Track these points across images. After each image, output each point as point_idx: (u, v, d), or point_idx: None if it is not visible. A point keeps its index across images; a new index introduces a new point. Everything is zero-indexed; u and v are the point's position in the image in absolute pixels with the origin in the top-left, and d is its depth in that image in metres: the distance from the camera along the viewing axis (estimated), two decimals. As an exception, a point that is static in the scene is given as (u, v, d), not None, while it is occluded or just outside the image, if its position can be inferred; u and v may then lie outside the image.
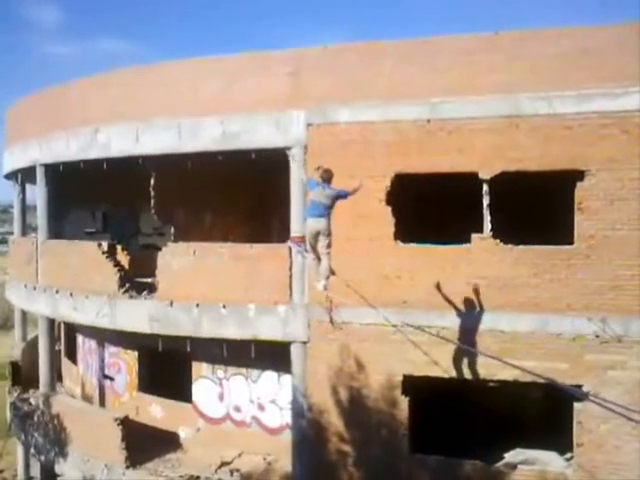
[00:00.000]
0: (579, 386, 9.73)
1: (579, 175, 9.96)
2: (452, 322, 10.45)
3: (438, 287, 10.58)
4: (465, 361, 10.51)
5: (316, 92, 11.43)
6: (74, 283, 14.30)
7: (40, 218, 15.77)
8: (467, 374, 10.58)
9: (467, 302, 10.52)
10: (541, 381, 9.75)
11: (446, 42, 10.98)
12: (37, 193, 15.97)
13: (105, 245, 14.31)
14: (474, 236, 10.60)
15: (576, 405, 10.02)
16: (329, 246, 9.01)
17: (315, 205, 8.96)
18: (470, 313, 10.47)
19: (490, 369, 10.33)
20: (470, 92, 10.49)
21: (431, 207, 13.45)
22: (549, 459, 11.03)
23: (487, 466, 10.71)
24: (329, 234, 8.95)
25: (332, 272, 9.31)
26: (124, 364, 16.23)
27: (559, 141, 10.03)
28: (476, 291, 10.42)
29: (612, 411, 5.84)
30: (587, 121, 9.90)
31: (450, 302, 10.53)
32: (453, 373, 10.62)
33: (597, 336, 9.92)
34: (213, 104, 12.24)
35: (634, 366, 9.77)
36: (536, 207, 13.53)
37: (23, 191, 19.57)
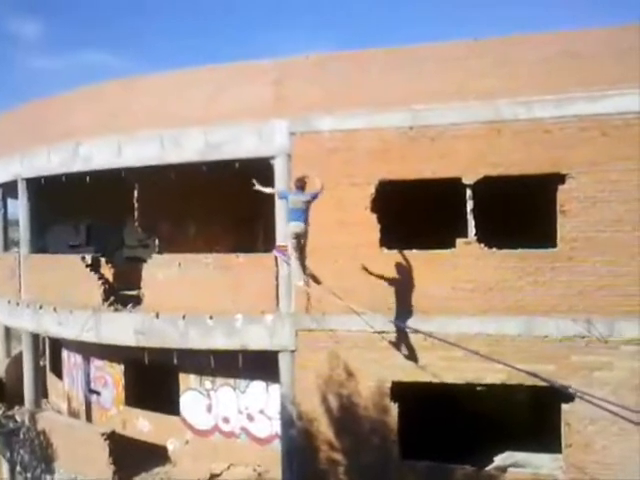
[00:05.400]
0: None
1: (560, 178, 10.08)
2: (438, 326, 10.47)
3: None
4: (454, 365, 10.54)
5: (300, 101, 11.49)
6: (58, 297, 14.16)
7: (22, 232, 15.62)
8: (455, 378, 10.62)
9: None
10: (528, 383, 9.88)
11: (429, 49, 11.08)
12: (19, 207, 15.84)
13: (89, 258, 14.23)
14: (459, 241, 10.67)
15: (564, 407, 10.09)
16: (304, 247, 10.03)
17: (294, 211, 9.83)
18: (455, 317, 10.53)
19: (478, 373, 10.39)
20: (454, 99, 10.60)
21: (416, 213, 13.49)
22: (539, 461, 11.08)
23: (478, 470, 10.74)
24: (306, 237, 9.92)
25: (309, 273, 10.45)
26: (110, 378, 16.07)
27: (540, 145, 10.15)
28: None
29: (609, 411, 5.88)
30: (567, 125, 10.03)
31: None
32: (441, 378, 10.65)
33: (583, 337, 10.00)
34: (197, 115, 12.24)
35: (620, 366, 9.85)
36: (520, 211, 13.63)
37: (5, 205, 19.40)
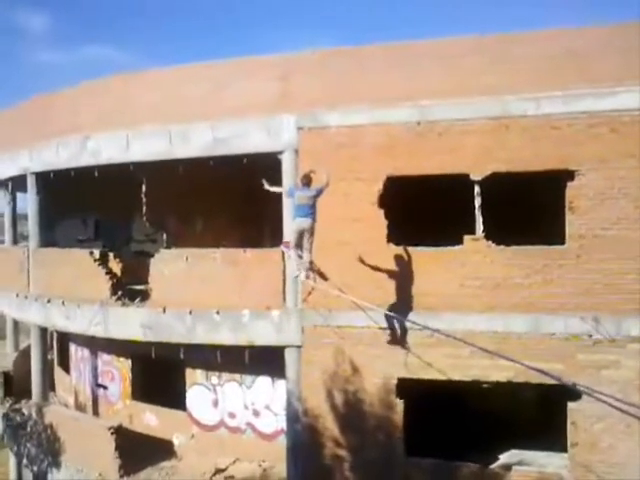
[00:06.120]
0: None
1: (569, 175, 10.00)
2: (445, 323, 10.42)
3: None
4: (460, 362, 10.50)
5: (306, 96, 11.47)
6: (66, 291, 14.22)
7: (31, 226, 15.71)
8: (461, 375, 10.57)
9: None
10: (535, 381, 9.82)
11: (434, 45, 11.06)
12: (28, 202, 15.91)
13: (97, 253, 14.26)
14: (466, 238, 10.61)
15: (570, 405, 10.02)
16: (312, 243, 10.09)
17: (300, 207, 9.95)
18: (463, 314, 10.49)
19: (484, 370, 10.34)
20: (458, 94, 10.54)
21: (424, 209, 13.45)
22: (545, 460, 11.02)
23: (483, 468, 10.68)
24: (312, 232, 9.99)
25: (315, 269, 10.63)
26: (117, 372, 16.14)
27: (548, 141, 10.07)
28: None
29: (618, 409, 5.84)
30: (576, 121, 9.95)
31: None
32: (447, 375, 10.61)
33: (590, 336, 9.93)
34: (203, 110, 12.23)
35: (627, 365, 9.78)
36: (528, 207, 13.56)
37: (14, 199, 19.49)
